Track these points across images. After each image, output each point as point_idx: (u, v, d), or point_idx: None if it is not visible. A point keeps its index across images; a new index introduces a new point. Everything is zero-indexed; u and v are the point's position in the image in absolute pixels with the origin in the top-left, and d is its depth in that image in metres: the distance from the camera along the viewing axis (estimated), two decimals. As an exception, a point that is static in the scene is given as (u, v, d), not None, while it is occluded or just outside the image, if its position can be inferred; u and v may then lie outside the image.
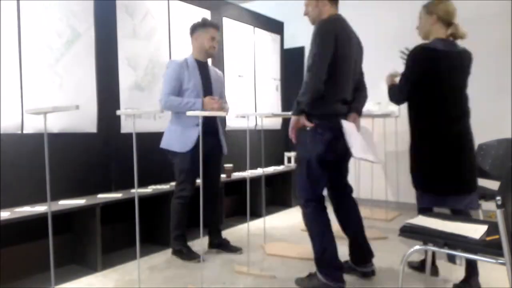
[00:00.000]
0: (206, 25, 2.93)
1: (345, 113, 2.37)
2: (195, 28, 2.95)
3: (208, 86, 2.96)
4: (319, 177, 2.34)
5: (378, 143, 4.61)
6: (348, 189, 2.59)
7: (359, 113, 2.43)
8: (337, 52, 2.20)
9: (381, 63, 4.57)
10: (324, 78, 2.18)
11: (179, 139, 2.86)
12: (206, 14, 4.02)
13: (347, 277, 2.53)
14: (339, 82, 2.28)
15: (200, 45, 2.93)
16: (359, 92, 2.48)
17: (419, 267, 2.63)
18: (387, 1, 4.64)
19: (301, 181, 2.38)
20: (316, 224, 2.35)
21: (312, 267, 2.72)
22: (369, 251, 2.55)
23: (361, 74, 2.52)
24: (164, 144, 2.94)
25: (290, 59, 5.41)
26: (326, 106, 2.27)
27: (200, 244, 2.64)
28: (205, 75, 2.96)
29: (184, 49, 3.74)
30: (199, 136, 2.55)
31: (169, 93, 2.83)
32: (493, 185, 2.45)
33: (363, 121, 4.16)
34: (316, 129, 2.27)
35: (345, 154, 2.34)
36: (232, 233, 3.62)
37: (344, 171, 2.57)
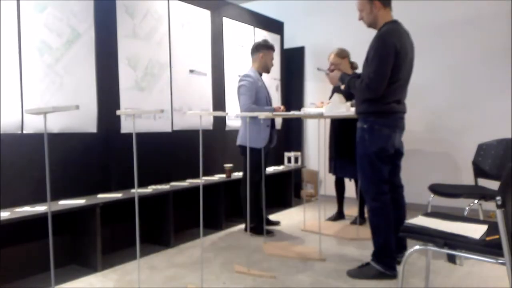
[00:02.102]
0: (270, 48, 3.61)
1: (402, 112, 2.53)
2: (260, 48, 3.58)
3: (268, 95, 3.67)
4: (382, 171, 2.48)
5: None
6: (400, 187, 2.69)
7: (345, 79, 2.66)
8: (396, 61, 2.35)
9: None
10: (384, 88, 2.36)
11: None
12: (206, 14, 4.02)
13: (348, 277, 2.53)
14: (396, 85, 2.42)
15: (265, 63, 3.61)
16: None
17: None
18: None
19: (366, 178, 2.53)
20: (383, 218, 2.48)
21: (312, 267, 2.72)
22: (405, 245, 2.67)
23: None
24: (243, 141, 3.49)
25: (290, 59, 5.41)
26: (383, 105, 2.43)
27: (200, 244, 2.64)
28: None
29: (184, 49, 3.75)
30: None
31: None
32: (493, 185, 2.45)
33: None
34: (373, 126, 2.45)
35: (398, 150, 2.58)
36: (232, 233, 3.63)
37: (396, 168, 2.66)
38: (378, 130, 2.44)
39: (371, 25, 2.53)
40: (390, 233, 2.48)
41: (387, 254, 2.48)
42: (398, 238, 2.60)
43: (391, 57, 2.33)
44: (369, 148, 2.46)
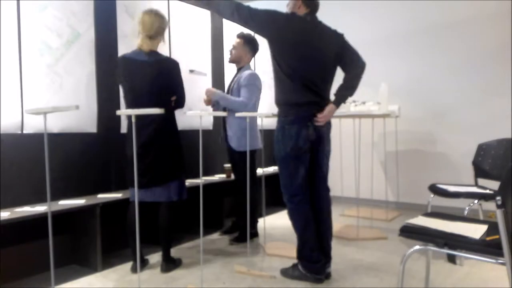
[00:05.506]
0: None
1: (313, 102, 2.36)
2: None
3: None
4: (297, 171, 2.40)
5: (378, 143, 4.62)
6: (325, 185, 2.53)
7: (336, 102, 2.41)
8: (285, 45, 2.35)
9: (380, 63, 4.58)
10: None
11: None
12: (206, 14, 4.02)
13: (348, 277, 2.53)
14: (298, 70, 2.35)
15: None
16: (349, 69, 2.50)
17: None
18: (386, 2, 4.64)
19: (282, 178, 2.47)
20: (298, 220, 2.43)
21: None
22: (328, 254, 2.52)
23: (348, 50, 2.57)
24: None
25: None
26: (288, 96, 2.38)
27: (199, 244, 2.63)
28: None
29: (184, 49, 3.75)
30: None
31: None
32: (493, 185, 2.46)
33: (364, 122, 4.17)
34: (284, 125, 2.38)
35: (318, 145, 2.41)
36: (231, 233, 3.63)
37: (318, 164, 2.48)
38: (288, 129, 2.36)
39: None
40: (307, 235, 2.41)
41: (306, 257, 2.43)
42: (321, 245, 2.47)
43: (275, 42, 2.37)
44: (282, 149, 2.39)
